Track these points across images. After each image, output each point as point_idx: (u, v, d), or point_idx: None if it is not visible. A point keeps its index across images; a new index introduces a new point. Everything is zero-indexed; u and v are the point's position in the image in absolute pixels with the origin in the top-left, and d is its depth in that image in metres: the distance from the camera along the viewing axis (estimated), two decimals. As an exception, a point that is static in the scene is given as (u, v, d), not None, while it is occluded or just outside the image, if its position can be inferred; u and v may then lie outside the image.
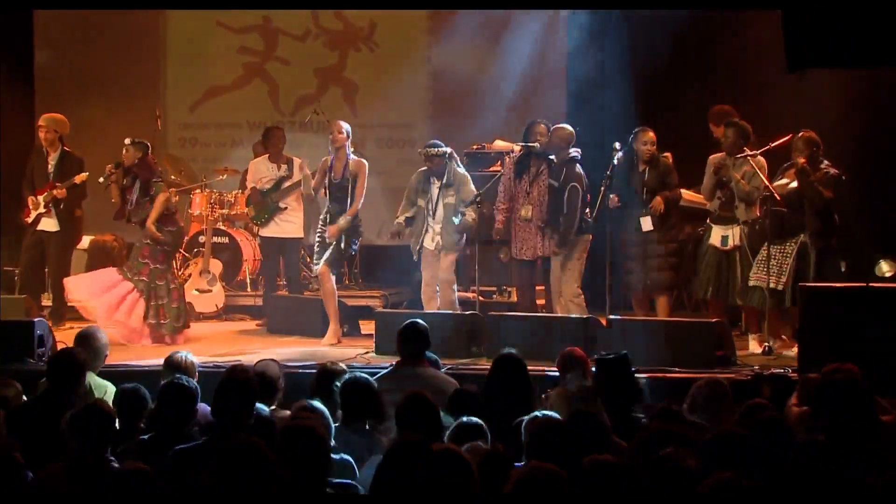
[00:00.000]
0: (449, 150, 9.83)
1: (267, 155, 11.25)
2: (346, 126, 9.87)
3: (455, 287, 9.85)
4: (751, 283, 9.02)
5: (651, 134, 9.54)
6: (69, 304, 10.28)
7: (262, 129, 11.67)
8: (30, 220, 10.62)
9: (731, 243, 9.20)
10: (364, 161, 9.90)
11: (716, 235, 9.29)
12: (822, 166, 8.93)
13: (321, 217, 10.00)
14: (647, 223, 9.49)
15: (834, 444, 4.83)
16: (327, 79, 13.46)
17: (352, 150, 9.90)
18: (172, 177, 12.31)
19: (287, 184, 11.00)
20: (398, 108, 13.23)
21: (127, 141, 9.98)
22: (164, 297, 9.77)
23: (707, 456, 4.39)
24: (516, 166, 9.92)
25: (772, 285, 8.88)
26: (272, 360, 6.61)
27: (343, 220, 9.70)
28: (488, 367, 8.12)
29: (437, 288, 9.76)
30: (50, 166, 10.62)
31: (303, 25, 13.48)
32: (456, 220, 9.64)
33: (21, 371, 7.55)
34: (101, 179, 10.11)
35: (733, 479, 3.98)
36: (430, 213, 9.76)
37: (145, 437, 5.48)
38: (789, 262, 8.92)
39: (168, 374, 6.24)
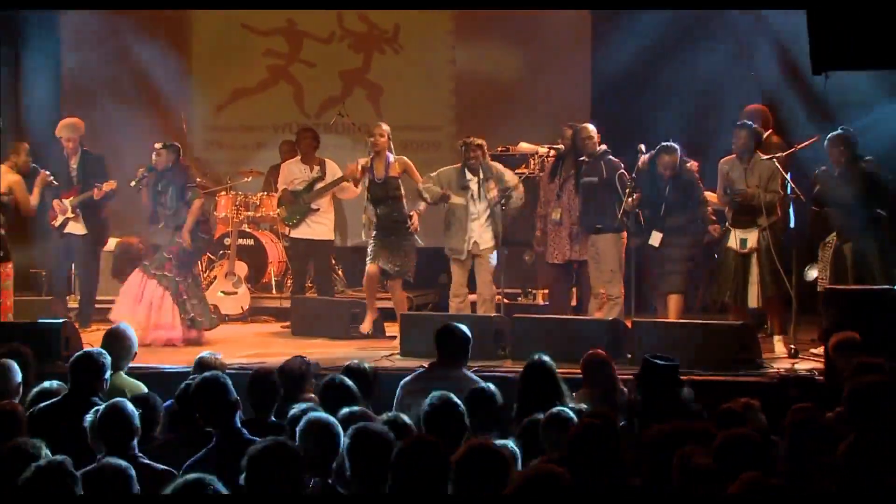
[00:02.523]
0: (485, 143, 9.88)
1: (299, 157, 11.28)
2: (386, 128, 9.98)
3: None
4: (820, 290, 9.08)
5: (672, 156, 9.40)
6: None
7: (287, 132, 11.68)
8: (56, 223, 10.64)
9: (749, 246, 9.16)
10: (405, 158, 10.01)
11: (734, 238, 9.26)
12: (863, 162, 8.97)
13: (365, 221, 10.08)
14: (656, 238, 9.46)
15: (863, 444, 4.81)
16: (352, 81, 13.47)
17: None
18: (198, 179, 12.35)
19: (319, 185, 11.00)
20: (422, 111, 13.24)
21: (158, 145, 10.04)
22: (185, 294, 9.86)
23: (721, 458, 4.39)
24: (550, 170, 9.94)
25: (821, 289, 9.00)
26: (298, 356, 6.65)
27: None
28: (514, 369, 8.20)
29: (467, 291, 9.81)
30: (73, 169, 10.62)
31: (327, 28, 13.50)
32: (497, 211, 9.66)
33: (52, 373, 7.56)
34: (133, 183, 10.11)
35: (760, 479, 3.97)
36: (472, 211, 9.72)
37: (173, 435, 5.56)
38: (829, 262, 9.06)
39: (199, 374, 6.29)
